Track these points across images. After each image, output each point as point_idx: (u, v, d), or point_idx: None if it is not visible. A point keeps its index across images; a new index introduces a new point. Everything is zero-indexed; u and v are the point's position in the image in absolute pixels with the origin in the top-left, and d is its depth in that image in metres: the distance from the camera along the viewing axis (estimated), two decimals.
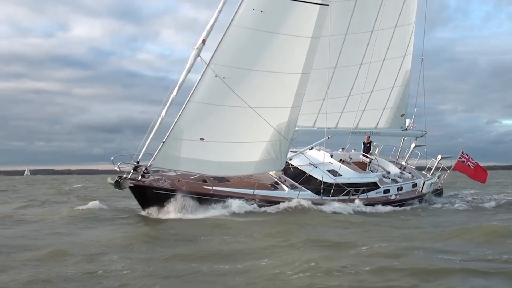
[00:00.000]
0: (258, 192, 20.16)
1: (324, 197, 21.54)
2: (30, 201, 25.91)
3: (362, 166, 24.51)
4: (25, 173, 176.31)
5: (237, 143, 19.39)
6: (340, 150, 25.46)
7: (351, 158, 24.03)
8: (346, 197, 21.82)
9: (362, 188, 22.03)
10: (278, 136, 20.08)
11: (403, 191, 24.80)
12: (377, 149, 27.61)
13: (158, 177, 19.23)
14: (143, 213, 18.71)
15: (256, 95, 18.91)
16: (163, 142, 18.34)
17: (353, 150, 25.79)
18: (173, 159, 18.61)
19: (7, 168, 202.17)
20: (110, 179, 18.29)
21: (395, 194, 23.73)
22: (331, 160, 23.19)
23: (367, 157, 25.09)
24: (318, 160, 22.64)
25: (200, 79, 18.17)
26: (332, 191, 21.42)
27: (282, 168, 21.31)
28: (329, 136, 23.79)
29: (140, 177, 18.39)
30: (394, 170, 25.60)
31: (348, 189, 21.65)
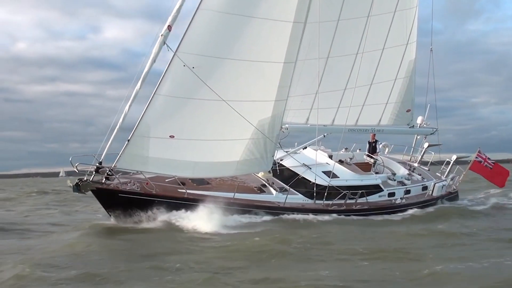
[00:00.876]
0: (240, 196, 18.34)
1: (317, 201, 19.57)
2: None
3: (366, 167, 22.46)
4: (60, 175, 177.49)
5: (213, 141, 17.65)
6: (343, 150, 23.49)
7: (351, 159, 22.01)
8: (342, 201, 19.79)
9: (360, 191, 19.92)
10: (261, 133, 18.20)
11: (411, 194, 22.60)
12: (386, 149, 25.55)
13: (127, 179, 17.57)
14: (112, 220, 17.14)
15: (230, 87, 17.17)
16: (128, 140, 16.73)
17: (358, 150, 23.78)
18: (140, 159, 16.97)
19: (42, 170, 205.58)
20: (70, 182, 16.67)
21: (401, 198, 21.53)
22: (328, 160, 21.22)
23: (372, 157, 23.00)
24: (313, 161, 20.66)
25: (166, 70, 16.52)
26: (325, 194, 19.42)
27: (269, 169, 19.46)
28: (325, 134, 21.85)
29: (104, 179, 16.80)
30: (401, 171, 23.41)
31: (344, 192, 19.59)
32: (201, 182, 18.80)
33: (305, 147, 21.68)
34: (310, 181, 19.92)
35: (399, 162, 24.54)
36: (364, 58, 20.66)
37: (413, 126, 23.61)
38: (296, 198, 19.63)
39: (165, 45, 16.42)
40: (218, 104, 17.13)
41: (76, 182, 16.37)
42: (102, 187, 16.67)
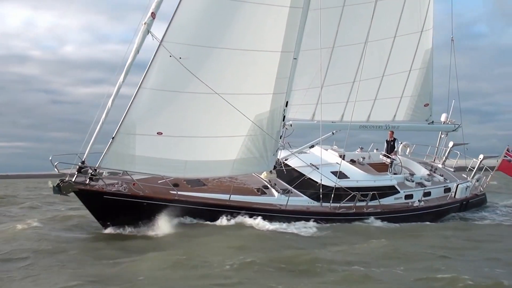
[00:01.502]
0: (236, 197, 17.00)
1: (324, 204, 18.07)
2: None
3: (382, 168, 20.90)
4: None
5: (206, 138, 16.38)
6: (358, 150, 21.96)
7: (364, 158, 20.47)
8: (351, 203, 18.24)
9: (371, 193, 18.33)
10: (259, 129, 16.86)
11: (432, 196, 20.88)
12: (408, 149, 23.87)
13: (115, 181, 16.43)
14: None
15: (222, 79, 15.93)
16: (113, 138, 15.57)
17: (375, 150, 22.19)
18: (127, 158, 15.81)
19: None
20: (51, 183, 15.59)
21: (419, 201, 19.82)
22: (339, 160, 19.71)
23: (388, 157, 21.40)
24: (323, 161, 19.22)
25: (152, 61, 15.35)
26: (332, 196, 17.93)
27: (270, 169, 18.07)
28: (334, 131, 20.37)
29: (88, 180, 15.69)
30: (422, 172, 21.72)
31: (353, 193, 18.05)
32: (196, 183, 17.54)
33: (312, 146, 20.22)
34: (316, 182, 18.49)
35: (420, 163, 22.87)
36: (374, 47, 19.20)
37: (433, 122, 21.86)
38: (300, 200, 18.21)
39: (149, 33, 15.27)
40: (209, 97, 15.90)
41: (57, 183, 15.30)
42: (86, 188, 15.55)
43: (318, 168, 18.98)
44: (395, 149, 22.04)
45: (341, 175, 18.97)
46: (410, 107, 20.84)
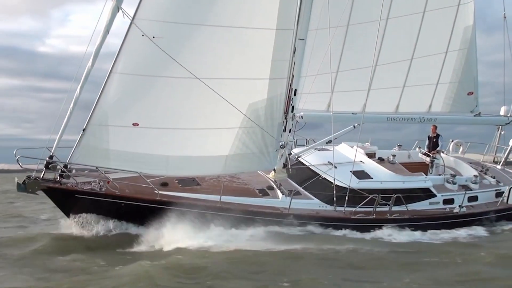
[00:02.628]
0: (229, 199, 15.00)
1: (338, 208, 15.69)
2: None
3: (420, 168, 18.25)
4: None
5: (191, 130, 14.57)
6: (396, 148, 19.36)
7: (394, 156, 17.87)
8: (370, 208, 15.73)
9: (394, 196, 15.72)
10: (256, 120, 14.80)
11: (479, 202, 17.91)
12: (460, 147, 20.93)
13: (92, 179, 14.89)
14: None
15: (205, 60, 14.13)
16: (83, 130, 14.07)
17: (417, 149, 19.44)
18: (100, 153, 14.30)
19: None
20: (18, 180, 14.26)
21: (460, 206, 16.90)
22: (364, 158, 17.22)
23: (428, 155, 18.61)
24: (345, 158, 16.84)
25: (123, 41, 13.71)
26: (347, 198, 15.56)
27: (273, 166, 15.99)
28: (356, 124, 17.90)
29: (59, 177, 14.27)
30: (469, 172, 18.75)
31: (371, 196, 15.54)
32: (189, 183, 15.72)
33: (330, 141, 17.83)
34: (331, 183, 16.14)
35: (471, 163, 19.84)
36: (398, 25, 16.54)
37: (479, 114, 18.75)
38: (310, 203, 15.95)
39: (120, 10, 13.63)
40: (191, 83, 14.07)
41: (23, 180, 13.95)
42: (55, 186, 14.12)
43: (336, 167, 16.61)
44: (438, 147, 19.20)
45: (362, 175, 16.63)
46: (449, 96, 17.94)
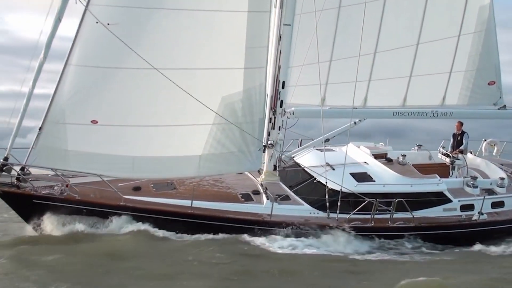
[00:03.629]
0: (203, 204, 13.63)
1: (332, 214, 13.95)
2: None
3: (441, 171, 16.34)
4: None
5: (155, 127, 13.33)
6: (415, 148, 17.60)
7: (404, 156, 16.04)
8: (368, 215, 13.98)
9: (395, 200, 13.89)
10: (230, 116, 13.33)
11: (506, 208, 15.79)
12: (495, 148, 18.75)
13: (54, 183, 13.83)
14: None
15: (168, 49, 12.78)
16: (40, 128, 13.01)
17: (441, 149, 17.45)
18: (58, 154, 13.21)
19: None
20: None
21: (480, 213, 14.84)
22: (369, 159, 15.46)
23: (448, 155, 16.61)
24: (348, 159, 15.32)
25: (78, 30, 12.58)
26: (339, 204, 13.89)
27: (256, 168, 14.43)
28: (357, 120, 16.20)
29: (16, 180, 13.30)
30: (496, 174, 16.60)
31: (368, 200, 13.80)
32: (164, 187, 14.49)
33: (327, 140, 16.13)
34: (326, 187, 14.47)
35: (502, 165, 17.64)
36: (399, 4, 14.68)
37: (505, 106, 16.52)
38: (299, 209, 14.31)
39: None
40: (155, 75, 12.69)
41: None
42: (11, 190, 13.13)
43: (334, 169, 14.91)
44: (462, 146, 17.12)
45: (363, 177, 14.91)
46: (466, 86, 15.86)
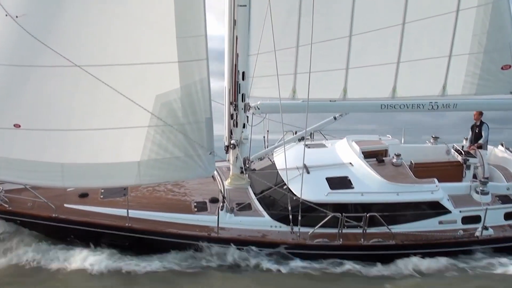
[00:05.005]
0: (143, 215, 12.39)
1: (295, 229, 12.30)
2: None
3: (456, 170, 14.03)
4: None
5: (84, 131, 11.94)
6: (431, 141, 15.65)
7: (399, 156, 13.95)
8: (335, 230, 12.13)
9: (366, 215, 11.94)
10: (169, 117, 11.82)
11: None
12: None
13: None
14: None
15: (88, 43, 11.29)
16: None
17: (464, 141, 15.20)
18: None
19: None
20: None
21: (484, 227, 12.54)
22: (355, 159, 13.51)
23: (460, 152, 14.33)
24: (334, 159, 13.67)
25: None
26: (299, 217, 12.23)
27: (209, 174, 12.87)
28: (337, 115, 14.15)
29: None
30: None
31: (332, 214, 11.97)
32: (114, 193, 13.38)
33: (302, 138, 14.21)
34: (295, 195, 12.70)
35: None
36: None
37: None
38: (257, 222, 12.70)
39: None
40: (78, 72, 11.32)
41: None
42: None
43: (309, 172, 13.11)
44: (482, 139, 14.64)
45: (341, 183, 12.98)
46: (472, 72, 13.24)
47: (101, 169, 12.09)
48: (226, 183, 14.00)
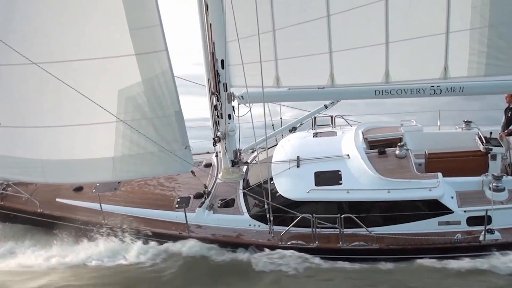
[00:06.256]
0: (118, 210, 12.62)
1: (276, 228, 11.97)
2: None
3: (470, 163, 12.65)
4: None
5: (55, 128, 12.29)
6: (462, 126, 14.26)
7: (402, 146, 12.90)
8: (309, 230, 11.52)
9: (339, 217, 11.16)
10: (137, 110, 11.83)
11: None
12: None
13: None
14: None
15: (44, 40, 11.42)
16: None
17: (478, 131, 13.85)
18: None
19: None
20: None
21: (488, 231, 11.37)
22: (352, 150, 12.72)
23: (482, 141, 12.94)
24: (334, 150, 12.85)
25: None
26: (271, 217, 11.83)
27: (188, 170, 12.59)
28: (328, 103, 13.36)
29: None
30: None
31: (301, 216, 11.36)
32: (106, 187, 13.91)
33: (294, 129, 13.51)
34: (277, 192, 12.27)
35: None
36: None
37: None
38: (236, 220, 12.43)
39: None
40: (32, 70, 11.51)
41: None
42: None
43: (299, 166, 12.56)
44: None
45: (329, 178, 12.30)
46: (477, 50, 11.64)
47: (77, 165, 12.38)
48: (220, 176, 13.72)
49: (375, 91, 12.38)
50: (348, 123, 15.12)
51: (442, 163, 12.78)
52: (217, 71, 12.74)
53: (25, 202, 13.29)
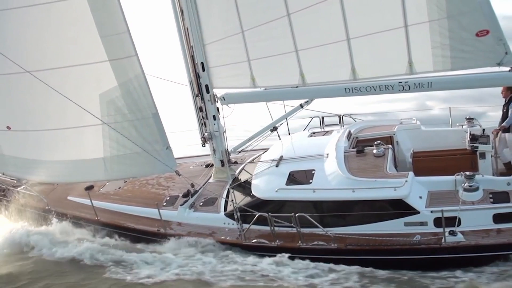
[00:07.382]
0: (111, 207, 14.05)
1: (245, 226, 12.70)
2: None
3: (461, 163, 12.56)
4: None
5: (51, 131, 14.06)
6: (461, 124, 14.31)
7: (379, 144, 13.00)
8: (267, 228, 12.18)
9: (294, 215, 11.49)
10: (118, 113, 13.07)
11: None
12: None
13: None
14: None
15: (26, 49, 12.96)
16: None
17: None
18: None
19: None
20: None
21: (451, 232, 11.19)
22: (331, 150, 13.17)
23: (474, 138, 12.77)
24: (318, 149, 13.39)
25: None
26: (238, 215, 12.56)
27: (172, 170, 13.58)
28: (304, 102, 13.70)
29: None
30: None
31: (257, 213, 11.92)
32: (113, 185, 15.66)
33: (275, 128, 13.91)
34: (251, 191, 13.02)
35: None
36: None
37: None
38: (212, 218, 13.26)
39: None
40: (28, 78, 13.15)
41: None
42: None
43: (277, 166, 13.16)
44: (506, 121, 12.67)
45: (301, 178, 12.72)
46: (440, 42, 11.24)
47: (73, 166, 13.88)
48: (213, 175, 14.46)
49: (345, 89, 12.42)
50: (355, 121, 15.19)
51: (428, 162, 12.56)
52: (197, 73, 13.52)
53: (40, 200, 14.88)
